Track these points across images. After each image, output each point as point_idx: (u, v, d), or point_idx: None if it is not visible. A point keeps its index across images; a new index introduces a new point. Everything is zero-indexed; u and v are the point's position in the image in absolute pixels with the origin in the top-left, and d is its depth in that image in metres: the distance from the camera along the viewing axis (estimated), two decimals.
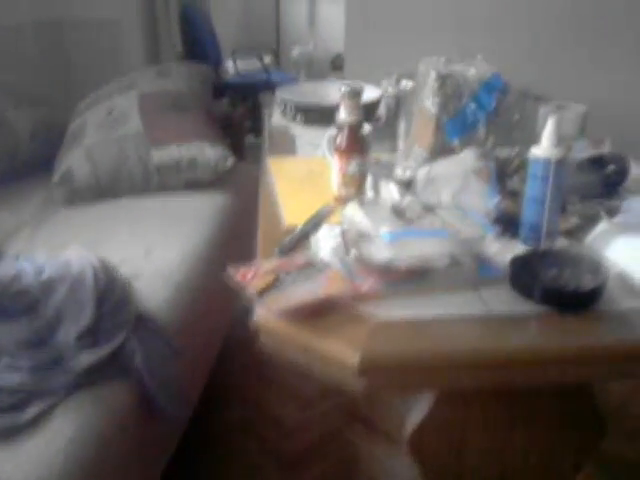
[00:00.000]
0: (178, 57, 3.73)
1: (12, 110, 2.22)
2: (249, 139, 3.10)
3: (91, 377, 1.14)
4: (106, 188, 2.02)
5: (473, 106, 1.30)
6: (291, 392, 2.02)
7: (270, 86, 4.35)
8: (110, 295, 1.25)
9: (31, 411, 1.06)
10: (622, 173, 1.25)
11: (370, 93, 1.65)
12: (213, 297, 1.69)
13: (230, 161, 2.02)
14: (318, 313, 0.90)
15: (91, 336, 1.17)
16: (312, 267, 1.01)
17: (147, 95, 2.20)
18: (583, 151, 1.27)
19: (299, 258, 1.03)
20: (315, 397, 2.00)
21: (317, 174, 1.45)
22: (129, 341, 1.21)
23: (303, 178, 1.47)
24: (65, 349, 1.14)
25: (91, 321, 1.19)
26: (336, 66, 5.06)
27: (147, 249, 1.64)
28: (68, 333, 1.17)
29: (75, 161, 2.03)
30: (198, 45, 4.10)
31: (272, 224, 1.22)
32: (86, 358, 1.15)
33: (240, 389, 2.06)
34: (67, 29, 2.91)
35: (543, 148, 1.03)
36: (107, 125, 2.11)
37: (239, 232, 1.96)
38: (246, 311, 0.95)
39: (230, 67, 4.69)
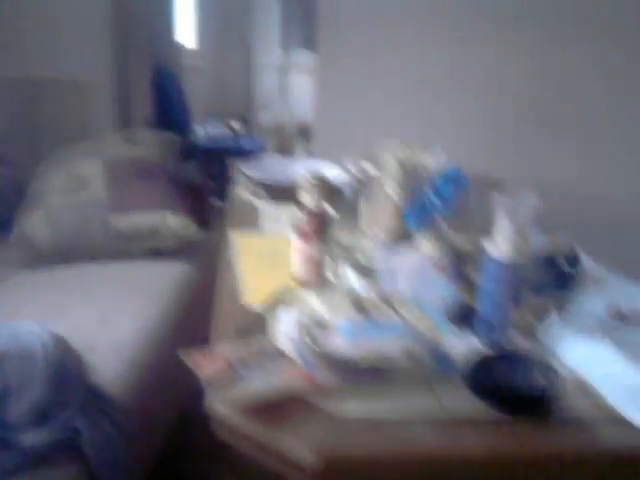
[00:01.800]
0: (147, 121, 3.77)
1: None
2: (214, 202, 3.11)
3: (38, 456, 1.10)
4: (65, 252, 2.00)
5: (432, 196, 1.34)
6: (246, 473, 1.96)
7: (239, 151, 4.42)
8: (61, 371, 1.22)
9: None
10: (575, 268, 1.28)
11: (335, 175, 1.69)
12: (167, 373, 1.65)
13: (192, 231, 2.02)
14: (274, 407, 0.89)
15: (40, 413, 1.14)
16: (268, 355, 1.01)
17: (112, 161, 2.20)
18: (538, 246, 1.31)
19: (255, 344, 1.02)
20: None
21: (279, 252, 1.46)
22: (78, 419, 1.18)
23: (265, 255, 1.48)
24: (13, 427, 1.10)
25: (40, 397, 1.15)
26: (303, 134, 5.18)
27: (102, 319, 1.61)
28: (17, 409, 1.13)
29: (34, 223, 2.01)
30: (168, 109, 4.15)
31: (230, 301, 1.22)
32: (34, 436, 1.11)
33: (193, 467, 2.00)
34: (37, 88, 2.93)
35: (496, 246, 1.06)
36: (69, 189, 2.11)
37: (197, 305, 1.94)
38: (202, 389, 0.93)
39: (200, 131, 4.75)
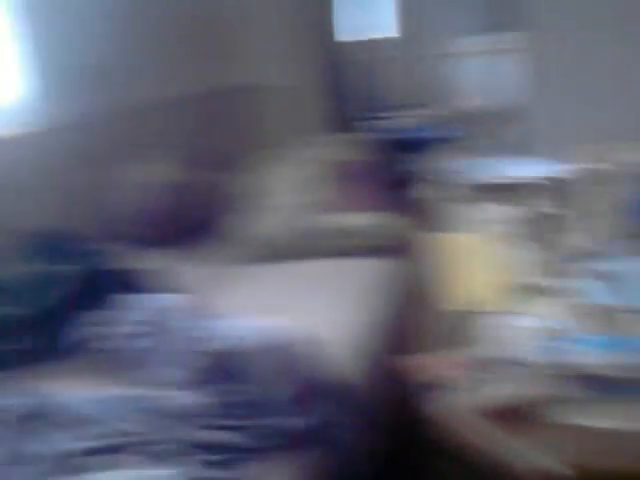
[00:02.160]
0: (342, 119, 3.83)
1: (193, 174, 2.43)
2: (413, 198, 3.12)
3: (294, 442, 1.22)
4: (283, 250, 2.14)
5: None
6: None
7: (436, 142, 4.36)
8: (314, 365, 1.34)
9: (239, 468, 1.16)
10: None
11: (552, 172, 1.62)
12: (391, 368, 1.72)
13: (401, 229, 2.06)
14: (512, 412, 0.89)
15: (298, 404, 1.26)
16: (499, 360, 1.00)
17: (321, 163, 2.32)
18: None
19: (478, 348, 1.03)
20: None
21: (487, 254, 1.44)
22: (327, 409, 1.28)
23: (473, 258, 1.46)
24: (274, 413, 1.24)
25: (299, 389, 1.27)
26: (507, 122, 4.95)
27: (326, 313, 1.70)
28: (278, 399, 1.26)
29: (253, 223, 2.18)
30: (360, 104, 4.21)
31: (439, 302, 1.23)
32: (294, 423, 1.23)
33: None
34: (243, 95, 3.15)
35: None
36: (286, 190, 2.26)
37: (408, 302, 1.98)
38: (427, 388, 0.96)
39: (396, 123, 4.77)
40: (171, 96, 2.76)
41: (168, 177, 2.33)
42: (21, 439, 1.27)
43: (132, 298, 1.66)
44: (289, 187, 2.27)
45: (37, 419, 1.32)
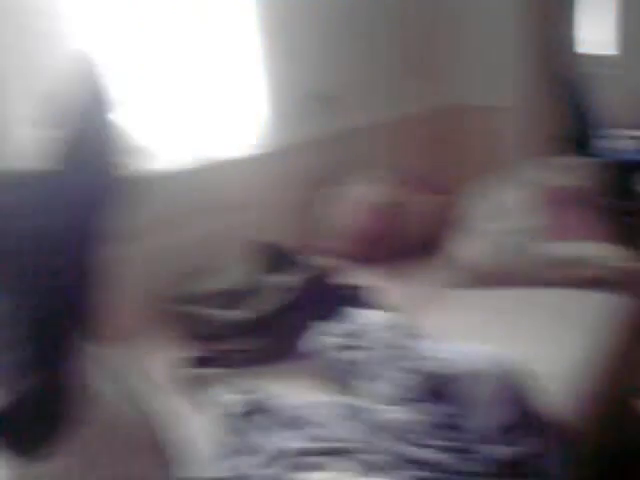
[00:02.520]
0: (559, 142, 3.69)
1: (416, 195, 2.49)
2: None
3: (502, 470, 1.22)
4: (493, 276, 2.11)
5: None
6: None
7: None
8: (525, 396, 1.33)
9: None
10: None
11: None
12: (608, 405, 1.63)
13: (622, 259, 1.94)
14: None
15: (508, 433, 1.25)
16: None
17: (540, 187, 2.25)
18: None
19: None
20: None
21: None
22: (535, 440, 1.26)
23: None
24: (483, 439, 1.25)
25: (509, 418, 1.28)
26: None
27: (536, 344, 1.65)
28: (487, 425, 1.27)
29: (465, 247, 2.18)
30: (577, 124, 4.00)
31: None
32: (503, 451, 1.23)
33: None
34: (458, 115, 3.15)
35: None
36: (499, 215, 2.22)
37: (630, 339, 1.85)
38: None
39: (613, 143, 4.47)
40: (390, 117, 2.86)
41: (384, 197, 2.41)
42: (245, 432, 1.40)
43: (347, 312, 1.75)
44: (505, 211, 2.23)
45: (258, 415, 1.45)
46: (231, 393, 1.51)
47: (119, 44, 1.88)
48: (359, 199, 2.41)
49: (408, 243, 2.42)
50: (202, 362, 1.70)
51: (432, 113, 3.10)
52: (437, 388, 1.35)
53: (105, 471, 0.87)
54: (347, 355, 1.59)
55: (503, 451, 1.24)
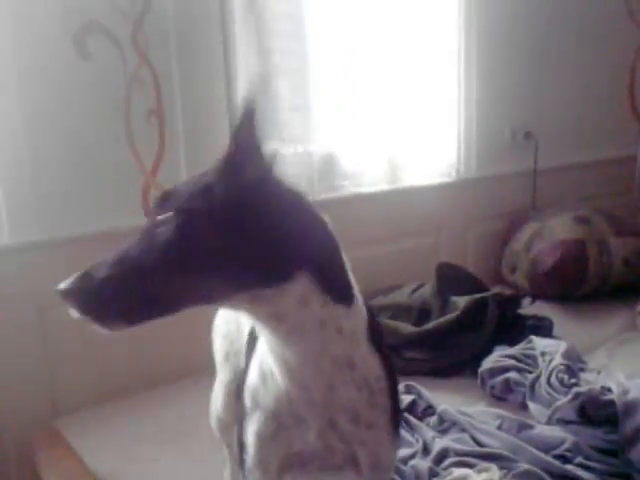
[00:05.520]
0: None
1: (613, 237, 2.43)
2: None
3: None
4: None
5: None
6: None
7: None
8: None
9: None
10: None
11: None
12: None
13: None
14: None
15: None
16: None
17: None
18: None
19: None
20: None
21: None
22: None
23: None
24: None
25: None
26: None
27: None
28: None
29: None
30: None
31: None
32: None
33: None
34: None
35: None
36: None
37: None
38: None
39: None
40: (596, 156, 2.85)
41: (582, 235, 2.40)
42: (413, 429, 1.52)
43: (525, 338, 1.84)
44: None
45: (428, 416, 1.57)
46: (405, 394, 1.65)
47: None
48: (553, 235, 2.41)
49: (607, 283, 2.38)
50: None
51: None
52: (610, 416, 1.38)
53: None
54: (516, 376, 1.66)
55: None
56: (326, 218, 0.85)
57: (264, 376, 0.89)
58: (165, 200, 0.77)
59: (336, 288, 0.81)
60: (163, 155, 1.86)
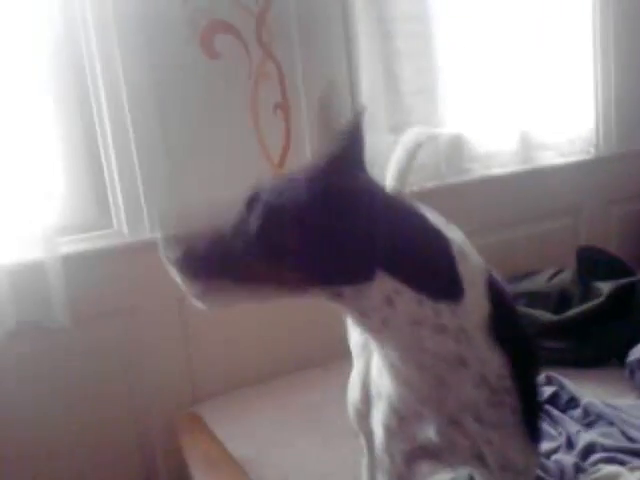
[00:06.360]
0: None
1: None
2: None
3: None
4: None
5: None
6: None
7: None
8: None
9: None
10: None
11: None
12: None
13: None
14: None
15: None
16: None
17: None
18: None
19: None
20: None
21: None
22: None
23: None
24: None
25: None
26: None
27: None
28: None
29: None
30: None
31: None
32: None
33: None
34: None
35: None
36: None
37: None
38: None
39: None
40: None
41: None
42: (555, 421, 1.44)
43: None
44: None
45: (571, 409, 1.48)
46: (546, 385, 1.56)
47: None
48: None
49: None
50: None
51: None
52: None
53: None
54: None
55: None
56: (431, 211, 0.82)
57: (380, 370, 0.89)
58: (256, 196, 0.80)
59: (435, 286, 0.78)
60: (289, 147, 1.89)
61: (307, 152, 1.90)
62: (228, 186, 1.79)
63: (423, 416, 0.85)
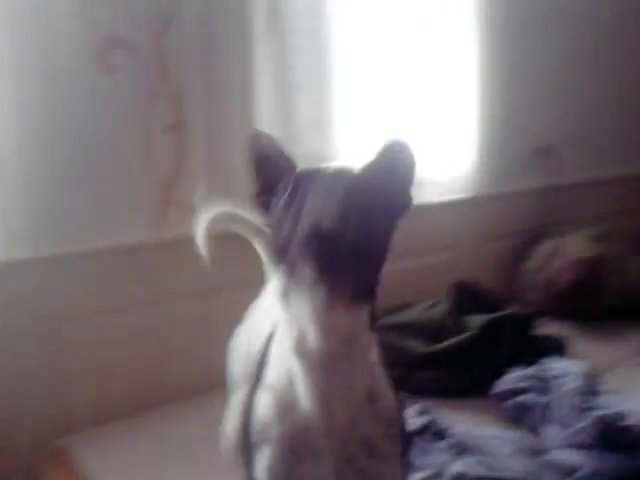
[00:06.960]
0: None
1: (631, 255, 2.41)
2: None
3: None
4: None
5: None
6: None
7: None
8: None
9: None
10: None
11: None
12: None
13: None
14: None
15: None
16: None
17: None
18: None
19: None
20: None
21: None
22: None
23: None
24: None
25: None
26: None
27: None
28: None
29: None
30: None
31: None
32: None
33: None
34: None
35: None
36: None
37: None
38: None
39: None
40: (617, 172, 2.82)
41: (596, 253, 2.38)
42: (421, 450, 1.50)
43: (540, 359, 1.82)
44: None
45: (435, 437, 1.54)
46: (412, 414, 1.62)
47: None
48: (569, 253, 2.39)
49: (619, 302, 2.35)
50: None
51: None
52: (613, 438, 1.36)
53: None
54: (531, 398, 1.64)
55: None
56: None
57: (281, 406, 0.85)
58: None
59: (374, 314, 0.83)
60: (182, 170, 1.84)
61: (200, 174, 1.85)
62: (113, 205, 1.73)
63: (320, 454, 0.84)
